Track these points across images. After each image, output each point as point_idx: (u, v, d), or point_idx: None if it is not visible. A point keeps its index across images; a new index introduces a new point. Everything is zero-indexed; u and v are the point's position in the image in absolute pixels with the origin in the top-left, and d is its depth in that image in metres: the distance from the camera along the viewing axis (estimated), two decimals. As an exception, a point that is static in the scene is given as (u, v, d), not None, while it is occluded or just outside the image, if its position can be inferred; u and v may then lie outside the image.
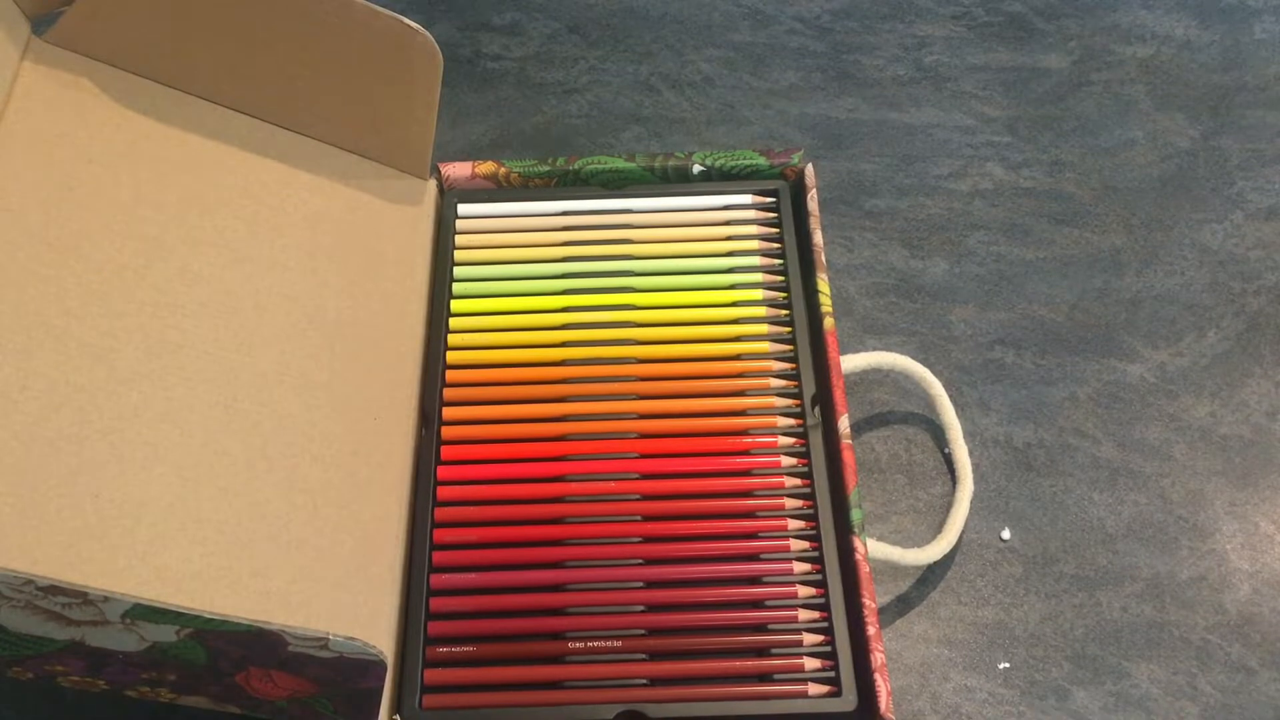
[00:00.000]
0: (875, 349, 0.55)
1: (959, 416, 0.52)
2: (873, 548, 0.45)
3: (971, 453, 0.52)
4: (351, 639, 0.34)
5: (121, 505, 0.38)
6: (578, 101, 0.64)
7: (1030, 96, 0.65)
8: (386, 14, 0.45)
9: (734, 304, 0.48)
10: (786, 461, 0.45)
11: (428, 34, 0.45)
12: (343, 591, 0.39)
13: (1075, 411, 0.54)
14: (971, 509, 0.51)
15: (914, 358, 0.54)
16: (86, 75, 0.45)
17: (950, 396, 0.53)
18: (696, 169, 0.51)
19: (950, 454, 0.51)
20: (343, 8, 0.44)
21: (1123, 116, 0.64)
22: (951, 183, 0.61)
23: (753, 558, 0.43)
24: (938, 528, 0.50)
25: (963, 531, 0.49)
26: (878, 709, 0.39)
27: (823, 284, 0.48)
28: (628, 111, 0.64)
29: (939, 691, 0.47)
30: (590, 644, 0.41)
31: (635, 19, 0.68)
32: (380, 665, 0.35)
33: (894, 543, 0.50)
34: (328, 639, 0.34)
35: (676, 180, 0.51)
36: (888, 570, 0.49)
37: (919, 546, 0.48)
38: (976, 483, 0.51)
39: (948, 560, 0.50)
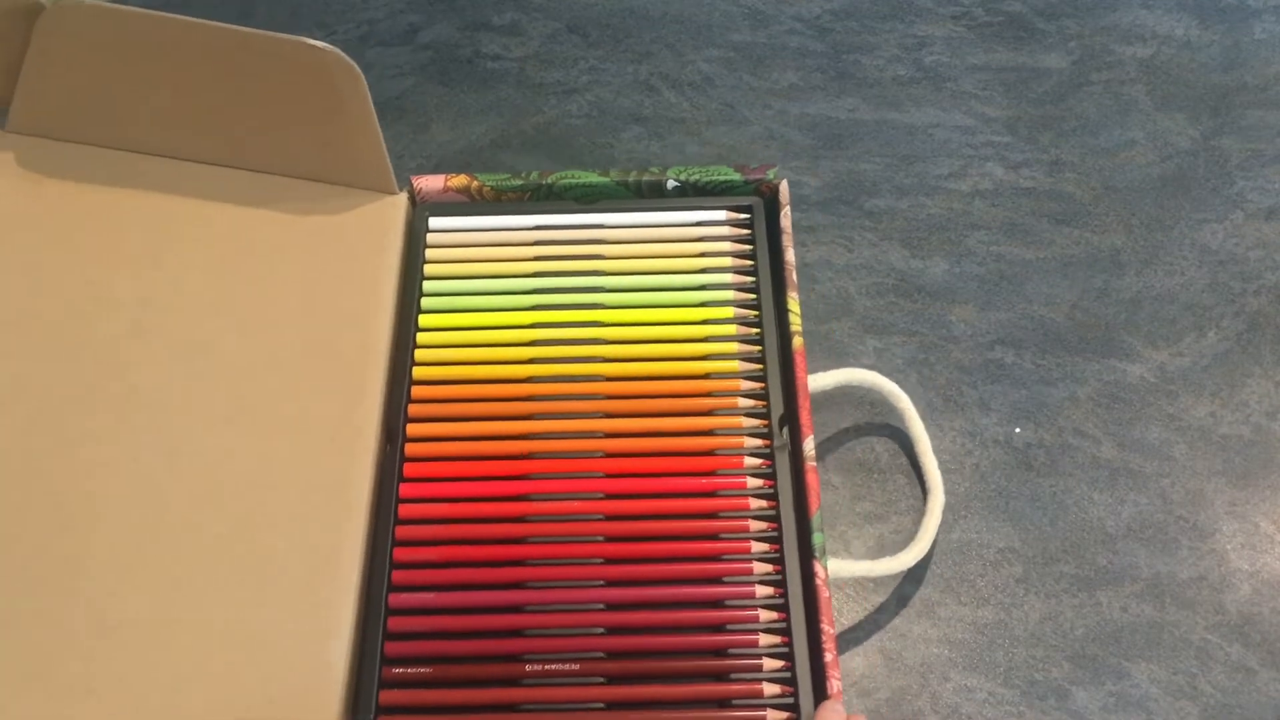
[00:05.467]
0: (875, 349, 0.55)
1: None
2: (844, 566, 0.45)
3: (971, 452, 0.52)
4: None
5: (64, 560, 0.39)
6: (578, 101, 0.64)
7: (1030, 96, 0.65)
8: (287, 38, 0.43)
9: (705, 322, 0.47)
10: (752, 483, 0.43)
11: (338, 51, 0.43)
12: (291, 617, 0.39)
13: (1075, 411, 0.54)
14: (972, 509, 0.51)
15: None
16: (42, 153, 0.47)
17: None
18: (671, 184, 0.50)
19: (920, 466, 0.50)
20: (241, 39, 0.43)
21: (1123, 116, 0.64)
22: (951, 183, 0.61)
23: (715, 580, 0.42)
24: (939, 525, 0.50)
25: (935, 539, 0.49)
26: None
27: (793, 303, 0.47)
28: (628, 111, 0.64)
29: (939, 691, 0.47)
30: (548, 666, 0.40)
31: (635, 19, 0.68)
32: None
33: (894, 542, 0.50)
34: None
35: (650, 195, 0.50)
36: (867, 581, 0.49)
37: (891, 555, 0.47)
38: (976, 482, 0.51)
39: (947, 561, 0.50)
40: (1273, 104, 0.64)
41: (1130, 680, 0.47)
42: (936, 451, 0.52)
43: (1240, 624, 0.48)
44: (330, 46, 0.43)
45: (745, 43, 0.67)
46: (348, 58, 0.44)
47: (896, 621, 0.48)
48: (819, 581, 0.41)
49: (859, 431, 0.53)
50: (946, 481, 0.52)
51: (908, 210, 0.60)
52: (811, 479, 0.43)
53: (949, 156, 0.62)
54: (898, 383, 0.54)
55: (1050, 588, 0.49)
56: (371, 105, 0.46)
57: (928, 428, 0.53)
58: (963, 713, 0.46)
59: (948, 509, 0.51)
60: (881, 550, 0.50)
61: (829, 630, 0.40)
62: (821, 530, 0.42)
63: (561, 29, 0.67)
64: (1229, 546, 0.50)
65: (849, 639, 0.48)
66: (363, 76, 0.44)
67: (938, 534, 0.50)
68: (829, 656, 0.39)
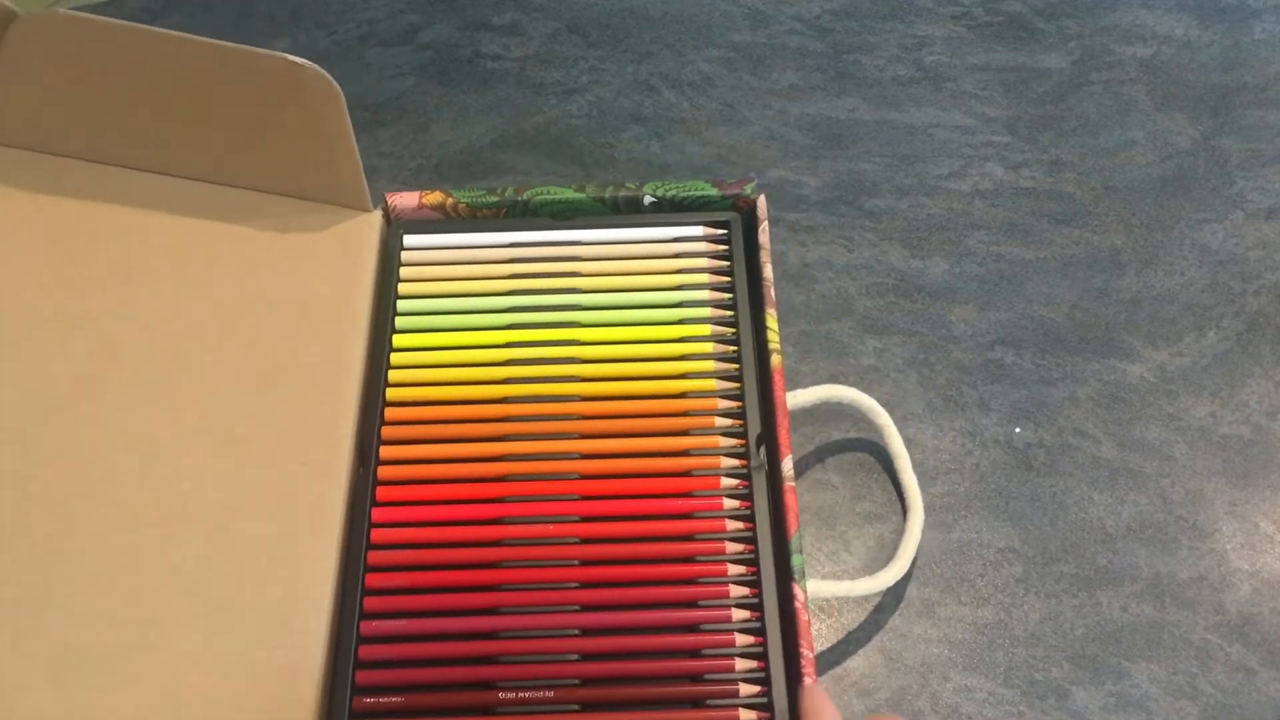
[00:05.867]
0: (875, 349, 0.55)
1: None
2: (823, 586, 0.45)
3: (971, 452, 0.52)
4: None
5: (28, 587, 0.38)
6: (578, 101, 0.64)
7: (1030, 96, 0.65)
8: (264, 53, 0.42)
9: (682, 339, 0.46)
10: (729, 504, 0.43)
11: (317, 67, 0.43)
12: (262, 645, 0.39)
13: (1075, 411, 0.54)
14: (972, 509, 0.51)
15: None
16: (11, 164, 0.46)
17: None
18: (648, 200, 0.49)
19: (900, 484, 0.50)
20: (218, 53, 0.42)
21: (1123, 116, 0.64)
22: (951, 183, 0.61)
23: (691, 604, 0.41)
24: (938, 525, 0.50)
25: (915, 556, 0.48)
26: None
27: (771, 320, 0.46)
28: (628, 111, 0.64)
29: (939, 691, 0.47)
30: (522, 694, 0.39)
31: (635, 19, 0.68)
32: None
33: (894, 542, 0.50)
34: None
35: (627, 211, 0.50)
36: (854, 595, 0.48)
37: (870, 575, 0.47)
38: (976, 482, 0.51)
39: (947, 561, 0.50)
40: (1273, 104, 0.64)
41: (1130, 680, 0.47)
42: (936, 452, 0.52)
43: (1240, 624, 0.48)
44: (308, 63, 0.43)
45: (745, 43, 0.67)
46: (326, 74, 0.43)
47: (896, 621, 0.48)
48: (798, 604, 0.40)
49: (859, 432, 0.53)
50: (946, 481, 0.52)
51: (908, 210, 0.60)
52: (790, 499, 0.42)
53: (949, 156, 0.62)
54: (897, 383, 0.54)
55: (1050, 588, 0.49)
56: (349, 122, 0.45)
57: (927, 427, 0.53)
58: (963, 713, 0.46)
59: (947, 509, 0.51)
60: (881, 549, 0.50)
61: (808, 654, 0.39)
62: (800, 552, 0.41)
63: (561, 29, 0.67)
64: (1229, 546, 0.50)
65: (849, 639, 0.48)
66: (341, 93, 0.44)
67: (939, 535, 0.50)
68: (808, 681, 0.39)
